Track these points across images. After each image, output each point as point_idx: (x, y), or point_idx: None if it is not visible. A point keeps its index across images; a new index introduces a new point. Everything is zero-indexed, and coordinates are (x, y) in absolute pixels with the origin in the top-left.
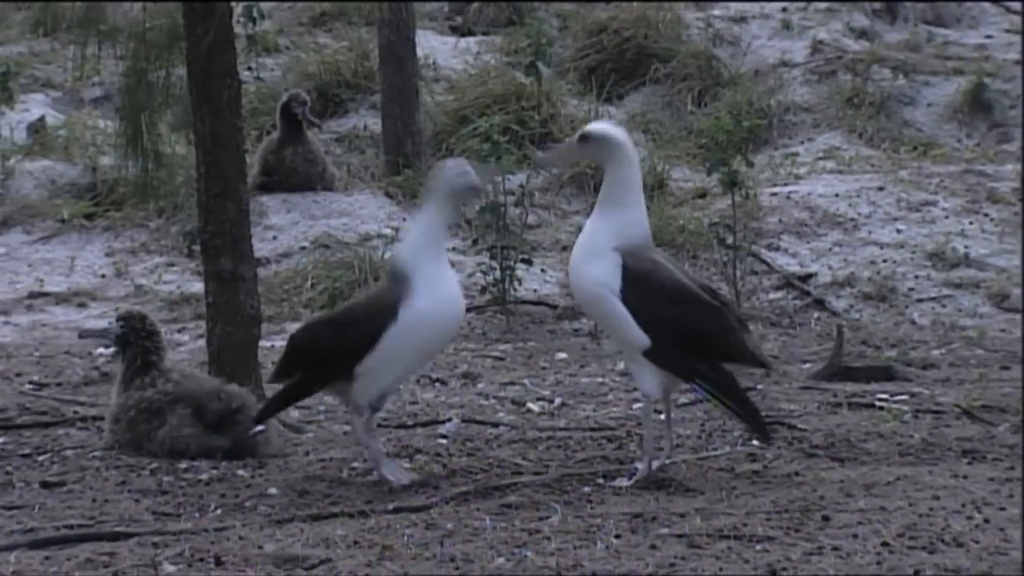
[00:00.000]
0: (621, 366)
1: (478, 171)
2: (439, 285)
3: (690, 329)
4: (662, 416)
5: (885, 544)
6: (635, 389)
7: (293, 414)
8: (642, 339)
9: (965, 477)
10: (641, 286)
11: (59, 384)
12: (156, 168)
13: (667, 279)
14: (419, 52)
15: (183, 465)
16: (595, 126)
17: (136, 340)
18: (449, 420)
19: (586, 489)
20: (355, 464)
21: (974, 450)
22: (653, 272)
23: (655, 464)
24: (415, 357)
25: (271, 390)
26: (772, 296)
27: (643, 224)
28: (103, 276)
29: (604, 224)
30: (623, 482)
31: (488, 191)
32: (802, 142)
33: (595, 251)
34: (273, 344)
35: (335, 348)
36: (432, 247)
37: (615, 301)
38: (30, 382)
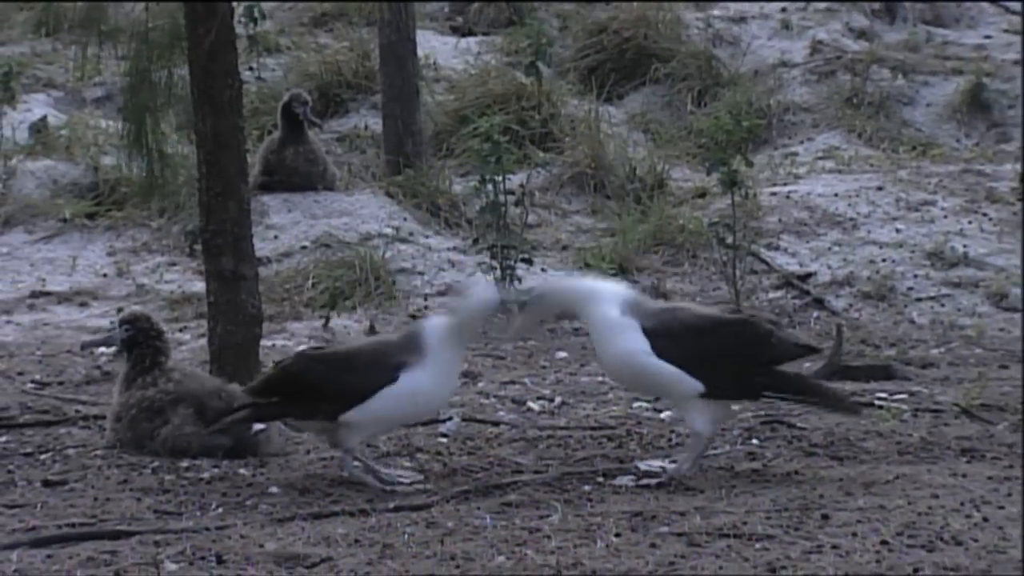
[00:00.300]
0: None
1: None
2: (445, 371)
3: (733, 351)
4: (662, 415)
5: (884, 542)
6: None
7: None
8: (695, 385)
9: (964, 476)
10: (669, 336)
11: (61, 383)
12: (160, 167)
13: (686, 317)
14: (420, 52)
15: (184, 464)
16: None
17: (144, 341)
18: (450, 419)
19: (586, 488)
20: (356, 464)
21: (973, 449)
22: (671, 319)
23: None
24: (399, 421)
25: None
26: (772, 295)
27: (622, 289)
28: (105, 275)
29: (600, 305)
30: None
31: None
32: (801, 142)
33: (612, 326)
34: (274, 343)
35: (325, 390)
36: (455, 342)
37: (656, 363)
38: (32, 381)
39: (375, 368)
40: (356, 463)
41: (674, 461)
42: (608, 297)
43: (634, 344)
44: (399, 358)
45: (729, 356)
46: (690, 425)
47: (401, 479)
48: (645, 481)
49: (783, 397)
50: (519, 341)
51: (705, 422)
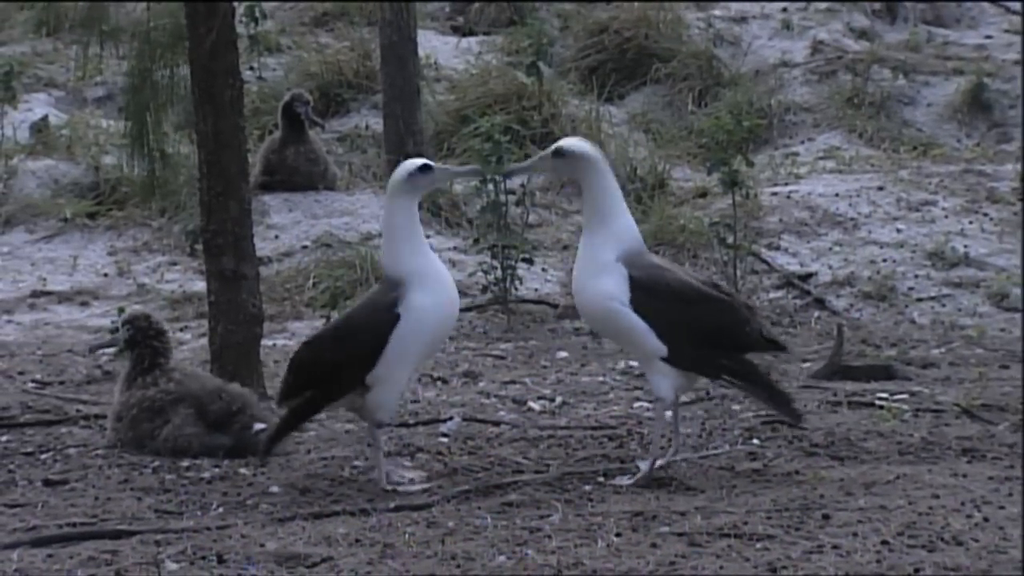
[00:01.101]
0: (622, 365)
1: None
2: (430, 276)
3: (706, 327)
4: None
5: (885, 542)
6: (636, 388)
7: None
8: (659, 347)
9: (965, 476)
10: (651, 294)
11: (62, 382)
12: (162, 167)
13: (674, 282)
14: (420, 52)
15: (185, 463)
16: (568, 142)
17: (144, 341)
18: (450, 419)
19: (587, 488)
20: (357, 462)
21: (974, 449)
22: (660, 278)
23: (659, 463)
24: (424, 352)
25: (272, 390)
26: (772, 295)
27: (635, 230)
28: (105, 275)
29: (599, 238)
30: (624, 480)
31: (442, 180)
32: (802, 142)
33: (598, 266)
34: (275, 343)
35: (342, 360)
36: (410, 241)
37: (628, 313)
38: (33, 380)
39: (376, 318)
40: (380, 445)
41: (674, 461)
42: (614, 232)
43: (615, 289)
44: (388, 298)
45: (702, 331)
46: (652, 387)
47: (411, 482)
48: (632, 479)
49: (737, 384)
50: (528, 176)
51: (666, 387)
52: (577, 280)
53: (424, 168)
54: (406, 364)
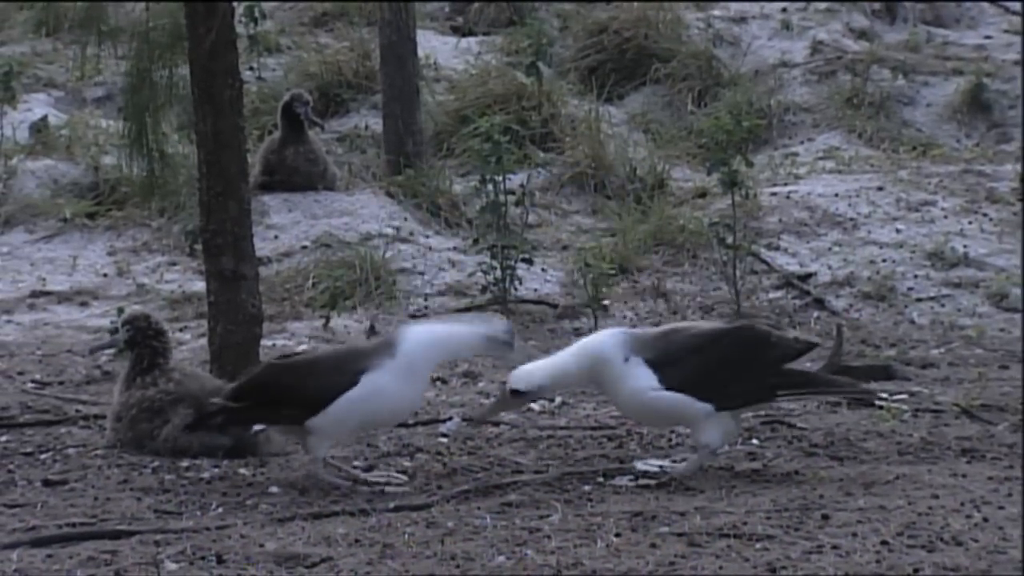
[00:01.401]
0: None
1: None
2: (412, 375)
3: (735, 360)
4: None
5: (884, 543)
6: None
7: None
8: (704, 408)
9: (964, 476)
10: (672, 364)
11: (61, 383)
12: (161, 167)
13: (683, 340)
14: (420, 52)
15: (185, 464)
16: (518, 380)
17: (144, 341)
18: (450, 419)
19: (586, 488)
20: (356, 463)
21: (973, 449)
22: (670, 345)
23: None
24: (364, 424)
25: None
26: (772, 295)
27: (611, 334)
28: (105, 275)
29: (604, 356)
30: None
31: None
32: (802, 142)
33: (618, 378)
34: (275, 343)
35: (290, 397)
36: (432, 353)
37: (664, 394)
38: (32, 381)
39: (337, 373)
40: (326, 469)
41: (675, 461)
42: (607, 353)
43: (639, 382)
44: (365, 362)
45: (736, 363)
46: (699, 440)
47: (388, 480)
48: (644, 481)
49: (797, 393)
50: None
51: (716, 436)
52: (617, 403)
53: (507, 343)
54: (344, 427)
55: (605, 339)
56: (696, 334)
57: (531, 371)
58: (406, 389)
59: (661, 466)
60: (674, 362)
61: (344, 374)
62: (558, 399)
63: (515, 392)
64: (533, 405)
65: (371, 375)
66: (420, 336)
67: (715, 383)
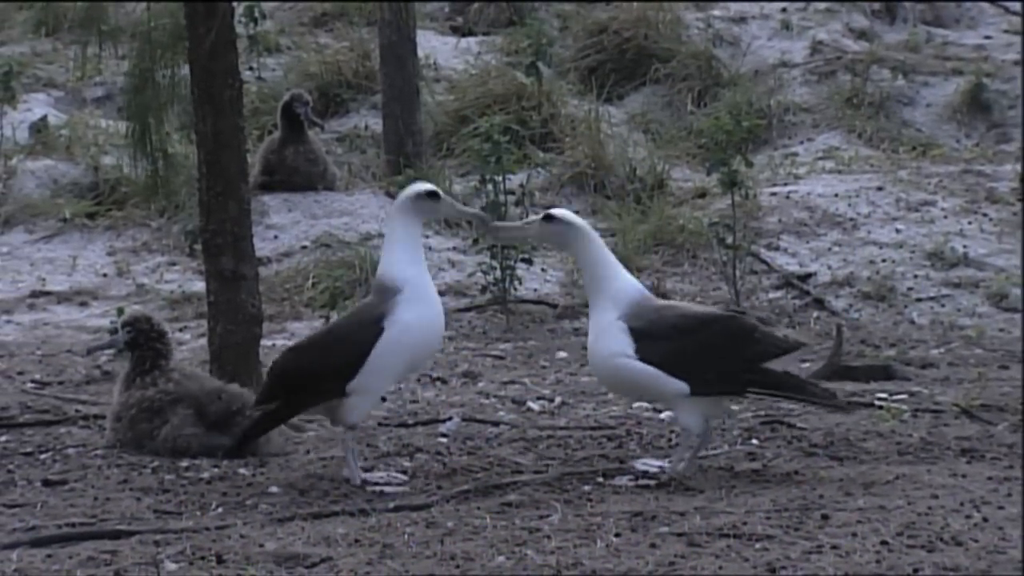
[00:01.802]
0: None
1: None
2: (419, 292)
3: (716, 349)
4: (662, 415)
5: (884, 543)
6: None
7: None
8: (679, 386)
9: (964, 476)
10: (653, 338)
11: (61, 383)
12: (164, 167)
13: (673, 318)
14: (420, 52)
15: (184, 464)
16: (560, 211)
17: (145, 343)
18: (449, 419)
19: (586, 488)
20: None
21: (973, 449)
22: (659, 320)
23: (679, 467)
24: (405, 368)
25: None
26: (772, 296)
27: (633, 286)
28: (105, 275)
29: (599, 304)
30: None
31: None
32: (801, 142)
33: (601, 330)
34: (274, 343)
35: (324, 370)
36: (407, 253)
37: (635, 364)
38: (32, 381)
39: (361, 329)
40: (353, 445)
41: (672, 461)
42: (612, 292)
43: (618, 346)
44: (377, 311)
45: (715, 351)
46: (679, 422)
47: (389, 480)
48: (644, 481)
49: (769, 393)
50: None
51: (694, 419)
52: (589, 351)
53: (431, 194)
54: (387, 376)
55: (622, 284)
56: (684, 314)
57: (572, 216)
58: (429, 310)
59: (661, 466)
60: (656, 337)
61: (366, 327)
62: (558, 399)
63: (548, 217)
64: (532, 405)
65: (392, 316)
66: (401, 263)
67: (690, 365)
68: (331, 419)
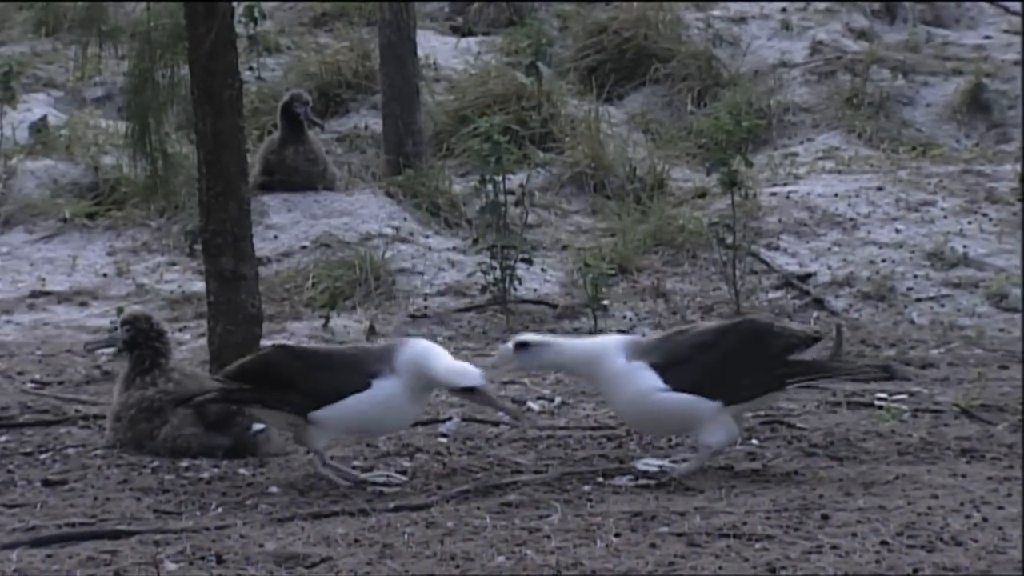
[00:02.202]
0: None
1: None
2: (415, 391)
3: (741, 353)
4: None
5: (884, 543)
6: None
7: None
8: (712, 406)
9: (964, 476)
10: (675, 364)
11: (61, 383)
12: (164, 167)
13: (686, 339)
14: (420, 52)
15: (184, 464)
16: (524, 337)
17: (144, 342)
18: (449, 419)
19: (586, 488)
20: (355, 463)
21: (973, 449)
22: (670, 346)
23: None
24: (365, 428)
25: None
26: (771, 295)
27: (616, 338)
28: (105, 275)
29: (602, 373)
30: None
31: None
32: (801, 142)
33: (620, 377)
34: (274, 343)
35: (299, 385)
36: (423, 379)
37: (672, 395)
38: (32, 381)
39: (351, 371)
40: (325, 464)
41: (675, 461)
42: (610, 350)
43: (646, 383)
44: (374, 367)
45: (742, 357)
46: (702, 440)
47: (388, 479)
48: (644, 481)
49: (807, 380)
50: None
51: (720, 436)
52: (617, 407)
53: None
54: (347, 424)
55: (609, 339)
56: (699, 333)
57: (538, 336)
58: (412, 401)
59: (661, 466)
60: (679, 362)
61: (358, 374)
62: (558, 399)
63: (520, 345)
64: (532, 405)
65: (383, 381)
66: (419, 358)
67: (723, 379)
68: (293, 436)
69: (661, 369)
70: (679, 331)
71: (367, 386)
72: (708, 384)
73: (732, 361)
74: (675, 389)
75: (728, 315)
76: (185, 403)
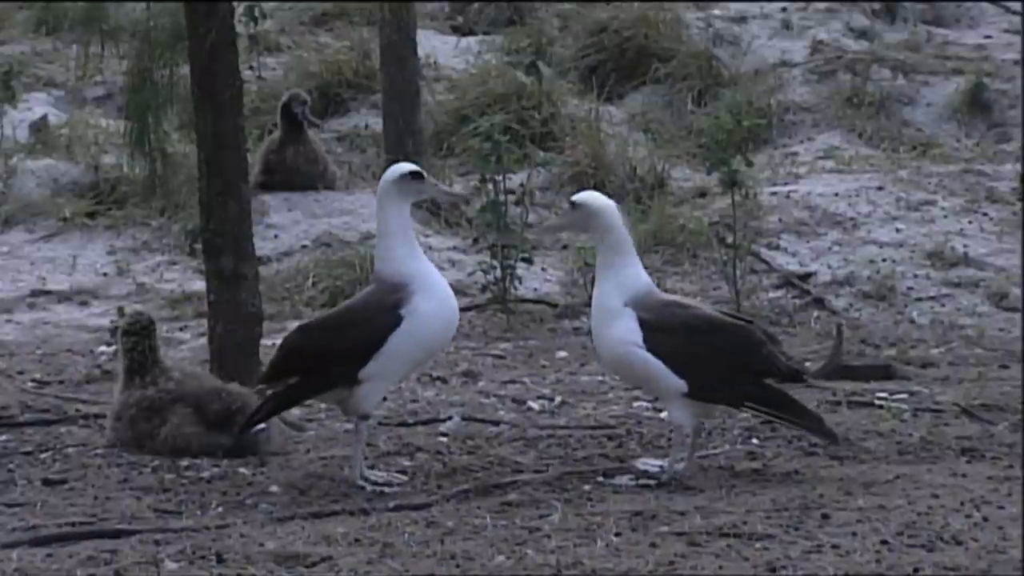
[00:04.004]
0: None
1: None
2: (431, 284)
3: (723, 356)
4: (662, 414)
5: (884, 542)
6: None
7: (294, 411)
8: (679, 384)
9: (964, 476)
10: (663, 332)
11: (61, 382)
12: (163, 166)
13: (685, 316)
14: (420, 52)
15: (184, 463)
16: (582, 196)
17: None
18: (450, 418)
19: (586, 487)
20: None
21: (973, 449)
22: (671, 315)
23: (678, 467)
24: (421, 357)
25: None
26: (772, 295)
27: (643, 276)
28: (105, 274)
29: (608, 286)
30: (625, 480)
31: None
32: (802, 142)
33: (608, 314)
34: (274, 342)
35: (337, 352)
36: (406, 244)
37: (644, 354)
38: (32, 380)
39: (378, 315)
40: (364, 438)
41: (670, 460)
42: (622, 279)
43: (627, 334)
44: (392, 298)
45: (720, 359)
46: (670, 418)
47: (389, 480)
48: (644, 481)
49: (764, 411)
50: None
51: (685, 416)
52: (593, 329)
53: (414, 174)
54: (401, 366)
55: (633, 273)
56: (698, 315)
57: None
58: (446, 303)
59: (661, 466)
60: (664, 331)
61: (383, 313)
62: (558, 398)
63: (572, 204)
64: (532, 404)
65: (410, 306)
66: (400, 255)
67: (695, 366)
68: (343, 409)
69: (646, 326)
70: (682, 303)
71: (399, 320)
72: (680, 363)
73: (709, 355)
74: (651, 351)
75: (739, 312)
76: (248, 425)
